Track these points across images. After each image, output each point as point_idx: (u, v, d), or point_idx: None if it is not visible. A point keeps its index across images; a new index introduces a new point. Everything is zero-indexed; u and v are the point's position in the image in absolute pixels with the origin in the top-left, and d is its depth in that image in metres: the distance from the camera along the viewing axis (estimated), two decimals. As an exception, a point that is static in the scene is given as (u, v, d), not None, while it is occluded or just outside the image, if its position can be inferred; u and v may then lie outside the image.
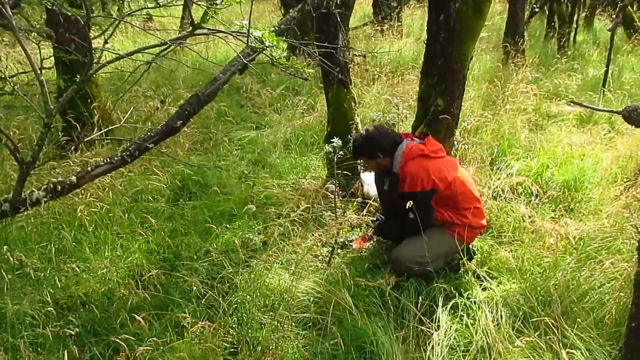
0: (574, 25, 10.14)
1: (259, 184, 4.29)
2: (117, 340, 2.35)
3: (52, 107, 2.18)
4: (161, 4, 2.86)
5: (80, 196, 3.57)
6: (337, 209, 3.74)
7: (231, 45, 2.83)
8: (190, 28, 2.41)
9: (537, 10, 12.05)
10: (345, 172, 4.16)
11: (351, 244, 3.55)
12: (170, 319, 2.79)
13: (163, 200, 3.97)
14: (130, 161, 2.57)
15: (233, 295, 2.95)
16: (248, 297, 2.90)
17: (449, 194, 3.04)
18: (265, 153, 5.09)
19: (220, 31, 2.48)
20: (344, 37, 4.34)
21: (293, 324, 2.78)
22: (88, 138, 3.37)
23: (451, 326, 2.73)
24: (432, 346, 2.55)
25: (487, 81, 6.41)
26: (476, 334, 2.67)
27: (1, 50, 7.54)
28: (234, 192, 4.16)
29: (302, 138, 5.33)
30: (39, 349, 2.59)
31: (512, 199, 3.88)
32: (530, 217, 3.51)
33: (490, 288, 3.02)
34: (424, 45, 3.88)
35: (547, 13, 10.84)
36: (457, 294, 2.96)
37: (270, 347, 2.59)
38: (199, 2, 2.57)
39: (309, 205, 3.72)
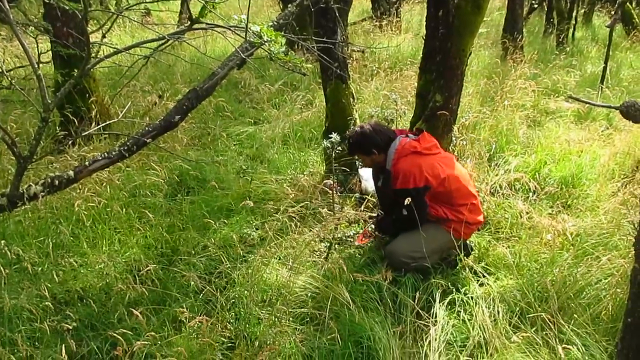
0: (573, 22, 10.14)
1: (257, 179, 4.29)
2: (115, 334, 2.36)
3: (49, 101, 2.17)
4: (159, -2, 2.85)
5: (78, 191, 3.57)
6: (335, 205, 3.75)
7: (229, 40, 2.81)
8: (189, 23, 2.40)
9: (536, 6, 12.04)
10: (343, 167, 4.16)
11: (349, 239, 3.55)
12: (168, 314, 2.80)
13: (161, 195, 3.97)
14: (128, 156, 2.56)
15: (231, 290, 2.96)
16: (246, 292, 2.91)
17: (442, 191, 3.04)
18: (263, 148, 5.08)
19: (219, 26, 2.47)
20: (342, 33, 4.33)
21: (290, 319, 2.79)
22: (86, 133, 3.36)
23: (448, 321, 2.74)
24: (429, 341, 2.56)
25: (485, 77, 6.41)
26: (473, 329, 2.68)
27: (-2, 44, 7.51)
28: (232, 187, 4.16)
29: (300, 133, 5.33)
30: (37, 344, 2.59)
31: (509, 195, 3.88)
32: (527, 213, 3.51)
33: (488, 284, 3.03)
34: (423, 41, 3.88)
35: (546, 9, 10.84)
36: (454, 290, 2.97)
37: (268, 342, 2.59)
38: (197, -3, 2.55)
39: (307, 201, 3.72)
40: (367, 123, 3.27)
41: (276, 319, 2.74)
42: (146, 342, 2.40)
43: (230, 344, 2.64)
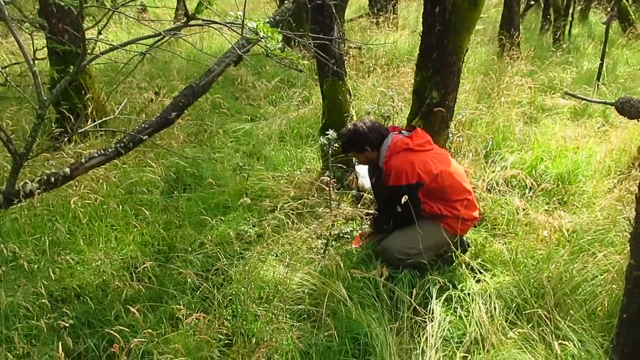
0: (569, 19, 10.14)
1: (254, 176, 4.29)
2: (112, 332, 2.35)
3: (45, 98, 2.16)
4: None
5: (74, 188, 3.56)
6: (332, 202, 3.75)
7: (226, 36, 2.80)
8: (185, 19, 2.40)
9: (532, 3, 12.05)
10: (340, 164, 4.16)
11: (346, 236, 3.56)
12: (165, 311, 2.79)
13: (157, 192, 3.96)
14: (124, 153, 2.56)
15: (228, 287, 2.96)
16: (243, 289, 2.91)
17: (436, 187, 3.04)
18: (260, 145, 5.08)
19: (215, 22, 2.47)
20: (339, 29, 4.33)
21: (287, 315, 2.79)
22: (82, 129, 3.34)
23: (445, 318, 2.75)
24: (426, 337, 2.57)
25: (482, 74, 6.41)
26: (470, 325, 2.69)
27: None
28: (229, 184, 4.15)
29: (297, 130, 5.32)
30: (33, 341, 2.59)
31: (506, 191, 3.89)
32: (524, 209, 3.52)
33: (484, 280, 3.04)
34: (420, 38, 3.87)
35: (543, 6, 10.84)
36: (451, 286, 2.97)
37: (265, 339, 2.60)
38: (193, -7, 2.54)
39: (303, 198, 3.72)
40: (360, 120, 3.27)
41: (273, 316, 2.74)
42: (143, 340, 2.40)
43: (227, 341, 2.64)
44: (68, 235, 3.33)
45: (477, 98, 5.72)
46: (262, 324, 2.69)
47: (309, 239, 3.42)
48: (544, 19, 10.42)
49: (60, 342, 2.25)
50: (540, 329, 2.62)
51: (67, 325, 2.51)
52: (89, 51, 3.52)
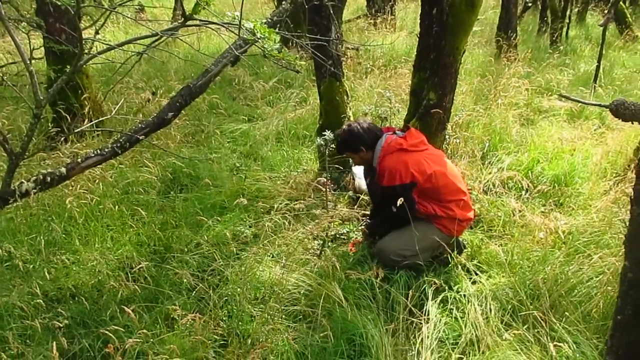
0: (567, 21, 10.17)
1: (251, 177, 4.28)
2: (107, 332, 2.35)
3: (41, 97, 2.16)
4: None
5: (70, 188, 3.55)
6: (328, 202, 3.75)
7: (223, 37, 2.81)
8: (182, 19, 2.40)
9: (530, 4, 12.07)
10: (337, 165, 4.16)
11: (342, 237, 3.56)
12: (161, 311, 2.79)
13: (154, 192, 3.96)
14: (120, 153, 2.56)
15: (223, 288, 2.95)
16: (238, 289, 2.91)
17: (430, 187, 3.04)
18: (257, 146, 5.07)
19: (212, 22, 2.46)
20: (336, 30, 4.33)
21: (283, 316, 2.79)
22: (78, 129, 3.34)
23: (441, 319, 2.75)
24: (422, 339, 2.57)
25: (479, 75, 6.42)
26: (465, 327, 2.69)
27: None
28: (226, 184, 4.15)
29: (294, 131, 5.32)
30: (28, 341, 2.58)
31: (502, 193, 3.89)
32: (520, 211, 3.52)
33: (480, 282, 3.04)
34: (417, 39, 3.88)
35: (540, 8, 10.87)
36: (446, 287, 2.97)
37: (260, 340, 2.60)
38: (190, -7, 2.54)
39: (300, 199, 3.72)
40: (354, 121, 3.27)
41: (269, 317, 2.74)
42: (138, 340, 2.39)
43: (222, 342, 2.64)
44: (64, 235, 3.32)
45: (474, 99, 5.73)
46: (258, 325, 2.69)
47: (305, 239, 3.42)
48: (541, 21, 10.45)
49: (55, 342, 2.24)
50: (536, 330, 2.62)
51: (62, 325, 2.51)
52: (86, 51, 3.51)
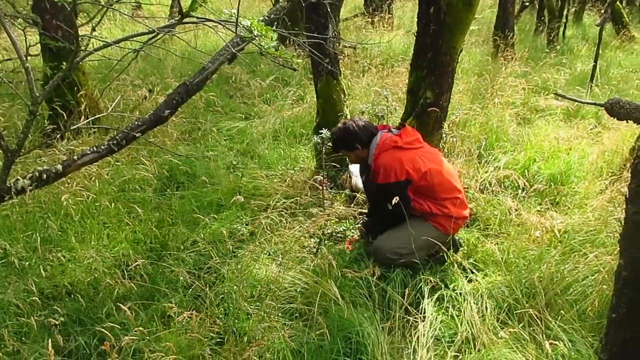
0: (564, 20, 10.20)
1: (247, 175, 4.28)
2: (103, 329, 2.35)
3: (37, 94, 2.15)
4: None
5: (66, 185, 3.54)
6: (325, 201, 3.75)
7: (220, 34, 2.81)
8: (179, 16, 2.39)
9: (527, 4, 12.10)
10: (334, 163, 4.17)
11: (339, 235, 3.56)
12: (157, 309, 2.79)
13: (150, 190, 3.95)
14: (117, 150, 2.55)
15: (220, 286, 2.95)
16: (235, 287, 2.91)
17: (424, 184, 3.04)
18: (253, 144, 5.07)
19: (209, 20, 2.46)
20: (334, 28, 4.33)
21: (279, 314, 2.79)
22: (74, 126, 3.33)
23: (437, 317, 2.76)
24: (418, 337, 2.58)
25: (476, 74, 6.43)
26: (461, 325, 2.70)
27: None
28: (222, 182, 4.15)
29: (291, 129, 5.32)
30: (24, 339, 2.57)
31: (499, 192, 3.90)
32: (516, 210, 3.54)
33: (476, 280, 3.05)
34: (414, 38, 3.88)
35: (537, 7, 10.89)
36: (443, 286, 2.98)
37: (257, 337, 2.59)
38: (187, -10, 2.54)
39: (297, 197, 3.72)
40: (350, 119, 3.28)
41: (265, 315, 2.74)
42: (134, 337, 2.39)
43: (219, 339, 2.64)
44: (60, 233, 3.32)
45: (471, 98, 5.74)
46: (254, 323, 2.69)
47: (301, 237, 3.42)
48: (538, 21, 10.47)
49: (50, 340, 2.23)
50: (531, 328, 2.63)
51: (57, 322, 2.50)
52: (82, 48, 3.50)
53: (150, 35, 2.55)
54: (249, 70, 7.06)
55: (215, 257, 3.11)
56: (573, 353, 2.49)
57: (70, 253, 3.19)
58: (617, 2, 10.08)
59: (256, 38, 2.25)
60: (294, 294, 2.91)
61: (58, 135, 4.28)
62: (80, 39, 2.22)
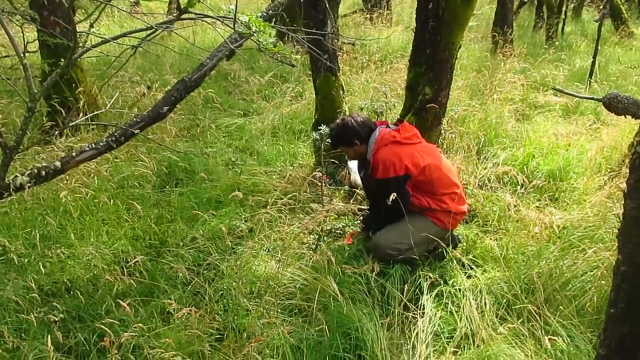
0: (563, 16, 10.18)
1: (246, 171, 4.28)
2: (102, 326, 2.35)
3: (36, 91, 2.14)
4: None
5: (65, 182, 3.54)
6: (324, 197, 3.75)
7: (219, 31, 2.80)
8: (177, 12, 2.38)
9: (526, 0, 12.08)
10: (333, 160, 4.16)
11: (338, 231, 3.56)
12: (156, 306, 2.79)
13: (149, 186, 3.95)
14: (115, 147, 2.54)
15: (219, 282, 2.96)
16: (234, 283, 2.91)
17: (423, 180, 3.05)
18: (252, 140, 5.07)
19: (208, 16, 2.45)
20: (332, 24, 4.32)
21: (279, 310, 2.79)
22: (73, 123, 3.33)
23: (436, 313, 2.76)
24: (417, 333, 2.58)
25: (475, 70, 6.42)
26: (460, 321, 2.70)
27: (-16, 32, 7.40)
28: (221, 179, 4.15)
29: (290, 125, 5.32)
30: (23, 335, 2.58)
31: (497, 188, 3.91)
32: (515, 206, 3.54)
33: (475, 276, 3.05)
34: (413, 34, 3.87)
35: (536, 3, 10.87)
36: (442, 282, 2.99)
37: (256, 334, 2.60)
38: (186, -14, 2.53)
39: (296, 193, 3.72)
40: (348, 115, 3.28)
41: (264, 311, 2.74)
42: (134, 334, 2.40)
43: (218, 336, 2.64)
44: (59, 229, 3.31)
45: (470, 95, 5.73)
46: (253, 319, 2.69)
47: (300, 234, 3.42)
48: (537, 17, 10.45)
49: (50, 336, 2.24)
50: (530, 324, 2.64)
51: (57, 319, 2.51)
52: (80, 44, 3.49)
53: (149, 32, 2.54)
54: (248, 66, 7.05)
55: (215, 254, 3.11)
56: (572, 348, 2.50)
57: (70, 250, 3.19)
58: (616, -2, 10.08)
59: (254, 34, 2.25)
60: (293, 290, 2.92)
61: (56, 132, 4.28)
62: (78, 36, 2.21)
